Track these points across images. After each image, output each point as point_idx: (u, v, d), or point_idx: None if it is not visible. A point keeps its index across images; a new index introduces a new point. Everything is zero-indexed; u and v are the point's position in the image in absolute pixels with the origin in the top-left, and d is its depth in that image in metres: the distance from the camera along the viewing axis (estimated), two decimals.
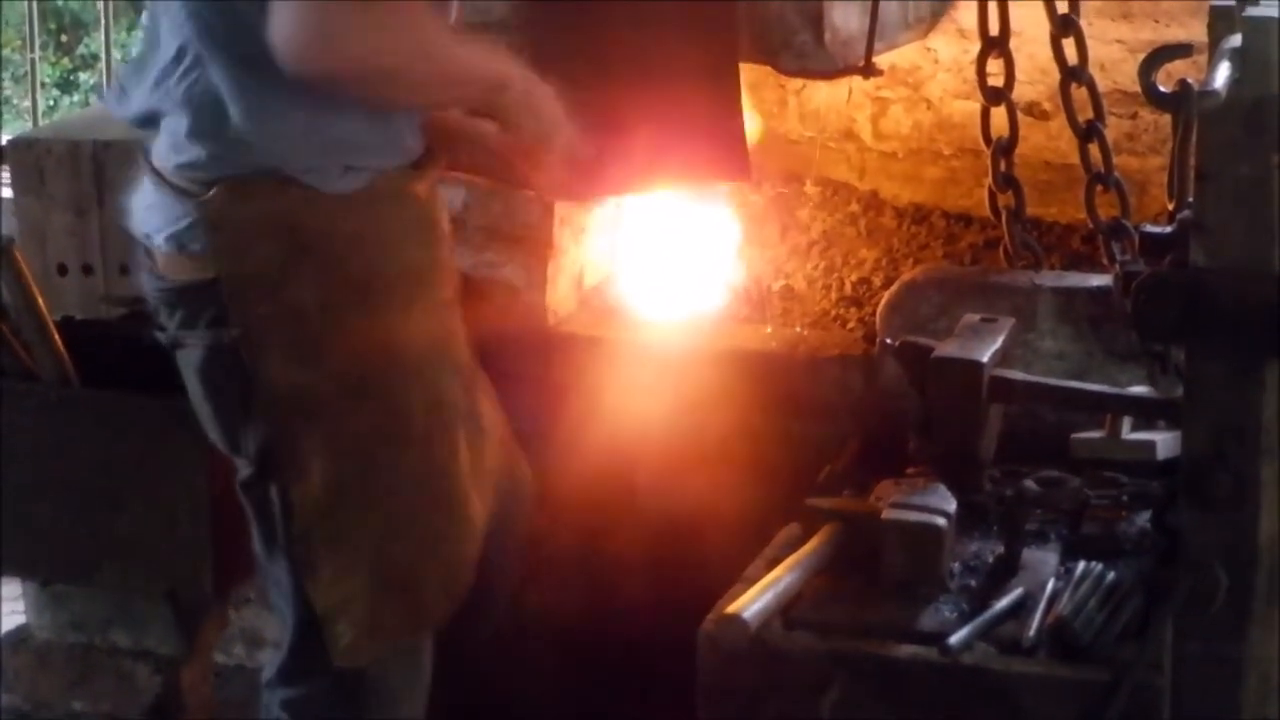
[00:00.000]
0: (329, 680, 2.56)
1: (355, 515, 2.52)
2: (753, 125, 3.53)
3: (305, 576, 2.51)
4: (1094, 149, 3.00)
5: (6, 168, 4.01)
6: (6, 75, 8.67)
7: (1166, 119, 2.35)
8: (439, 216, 2.60)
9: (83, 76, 8.05)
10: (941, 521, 2.45)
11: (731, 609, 2.31)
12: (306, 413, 2.49)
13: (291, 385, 2.49)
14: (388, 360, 2.50)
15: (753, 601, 2.32)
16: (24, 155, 3.81)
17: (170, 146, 2.43)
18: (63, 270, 3.74)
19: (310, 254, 2.45)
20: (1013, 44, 3.07)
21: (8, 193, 4.03)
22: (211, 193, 2.40)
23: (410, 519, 2.53)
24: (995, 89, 3.09)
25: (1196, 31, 2.78)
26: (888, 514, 2.47)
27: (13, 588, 3.75)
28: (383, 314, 2.50)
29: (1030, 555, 2.53)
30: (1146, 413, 2.59)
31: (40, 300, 2.93)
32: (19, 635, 3.59)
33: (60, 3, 8.04)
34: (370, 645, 2.54)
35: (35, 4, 5.87)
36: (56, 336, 2.94)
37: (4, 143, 4.36)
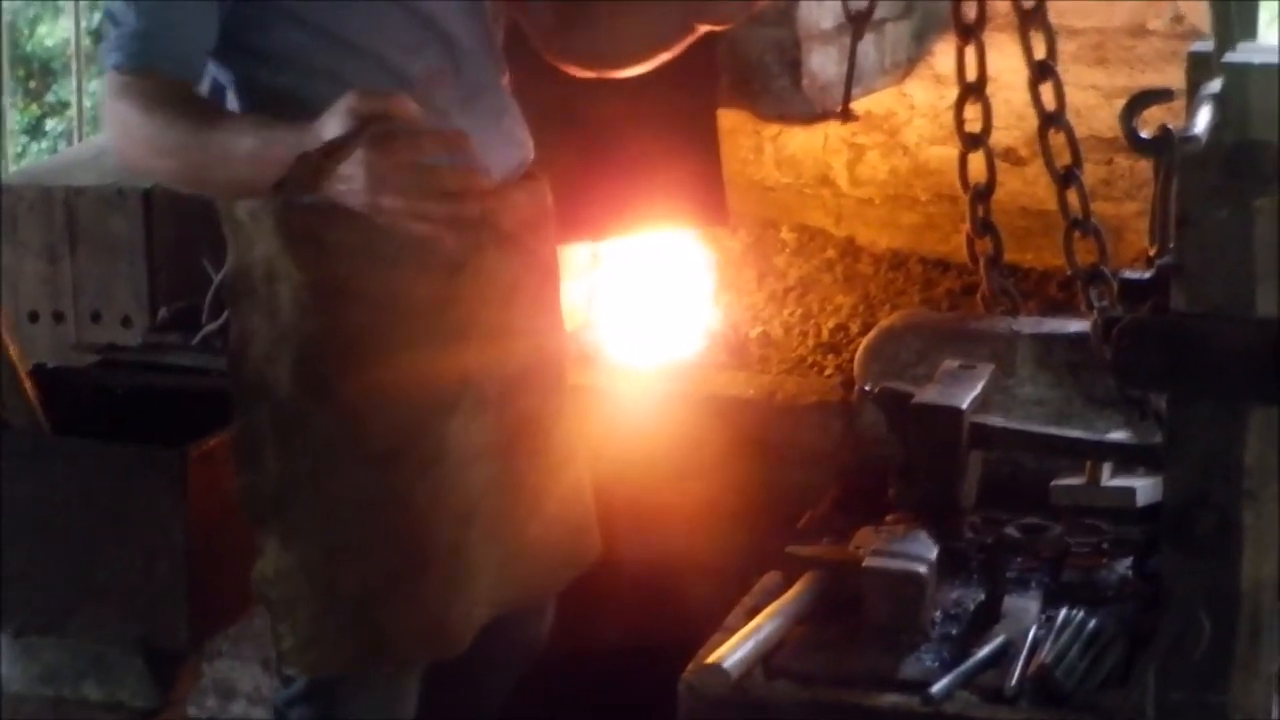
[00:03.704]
0: (302, 689, 2.60)
1: (304, 519, 2.54)
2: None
3: (256, 559, 2.55)
4: (1072, 195, 3.01)
5: None
6: None
7: (1142, 165, 2.38)
8: (454, 247, 2.58)
9: (50, 123, 8.05)
10: (922, 569, 2.46)
11: (712, 658, 2.31)
12: (270, 403, 2.54)
13: (258, 374, 2.54)
14: (354, 372, 2.51)
15: (733, 650, 2.32)
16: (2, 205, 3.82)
17: None
18: (34, 318, 3.74)
19: (291, 254, 2.50)
20: (990, 90, 3.09)
21: None
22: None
23: (362, 544, 2.53)
24: (973, 135, 3.10)
25: (1172, 77, 2.81)
26: (868, 562, 2.47)
27: None
28: (354, 325, 2.52)
29: (1011, 603, 2.53)
30: (1126, 459, 2.61)
31: (11, 348, 2.92)
32: None
33: (28, 49, 8.05)
34: (313, 659, 2.56)
35: (3, 50, 5.87)
36: (28, 384, 2.93)
37: None
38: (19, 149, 6.86)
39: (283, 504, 2.55)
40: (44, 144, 7.56)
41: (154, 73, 2.38)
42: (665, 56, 2.64)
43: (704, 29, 2.57)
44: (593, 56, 2.72)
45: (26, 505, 2.89)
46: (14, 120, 6.20)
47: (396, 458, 2.52)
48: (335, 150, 2.11)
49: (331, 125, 2.13)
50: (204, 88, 2.47)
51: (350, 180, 2.12)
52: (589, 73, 2.74)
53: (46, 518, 2.88)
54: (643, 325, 3.55)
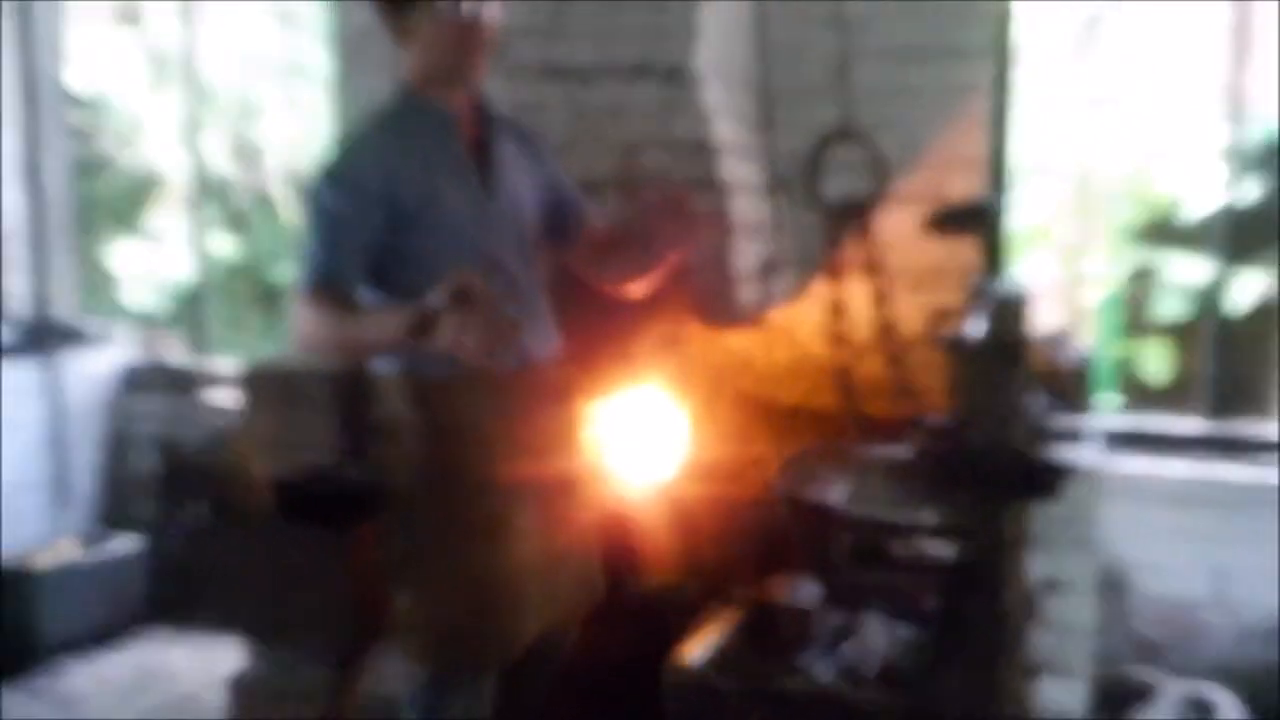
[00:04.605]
0: (425, 682, 2.56)
1: (421, 577, 2.52)
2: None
3: (393, 599, 2.54)
4: (900, 371, 3.02)
5: (236, 386, 4.03)
6: (234, 328, 8.70)
7: (943, 353, 2.39)
8: (515, 403, 2.56)
9: (282, 327, 8.12)
10: (813, 603, 2.44)
11: (686, 658, 2.29)
12: (399, 501, 2.54)
13: (395, 481, 2.54)
14: (453, 483, 2.50)
15: (699, 653, 2.30)
16: (246, 378, 3.83)
17: None
18: (267, 448, 3.73)
19: (415, 411, 2.51)
20: (849, 308, 3.10)
21: (235, 401, 4.04)
22: (376, 376, 2.57)
23: (456, 592, 2.50)
24: (840, 336, 3.11)
25: (959, 299, 2.83)
26: (780, 600, 2.45)
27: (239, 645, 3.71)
28: (453, 454, 2.51)
29: (868, 623, 2.51)
30: (938, 534, 2.59)
31: (254, 467, 2.91)
32: (239, 676, 3.53)
33: (269, 279, 8.11)
34: (428, 665, 2.54)
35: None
36: (262, 489, 2.92)
37: (235, 371, 4.38)
38: (260, 345, 6.86)
39: (408, 567, 2.53)
40: (275, 344, 7.58)
41: (324, 290, 2.39)
42: (656, 278, 2.69)
43: (677, 259, 2.62)
44: (614, 278, 2.78)
45: (262, 564, 2.87)
46: (258, 324, 6.23)
47: (479, 536, 2.51)
48: (436, 314, 2.15)
49: (434, 297, 2.16)
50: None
51: (447, 328, 2.13)
52: (612, 288, 2.78)
53: (273, 572, 2.86)
54: (637, 452, 3.54)
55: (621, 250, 2.77)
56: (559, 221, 2.77)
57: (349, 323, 2.36)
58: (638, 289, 2.78)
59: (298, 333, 2.45)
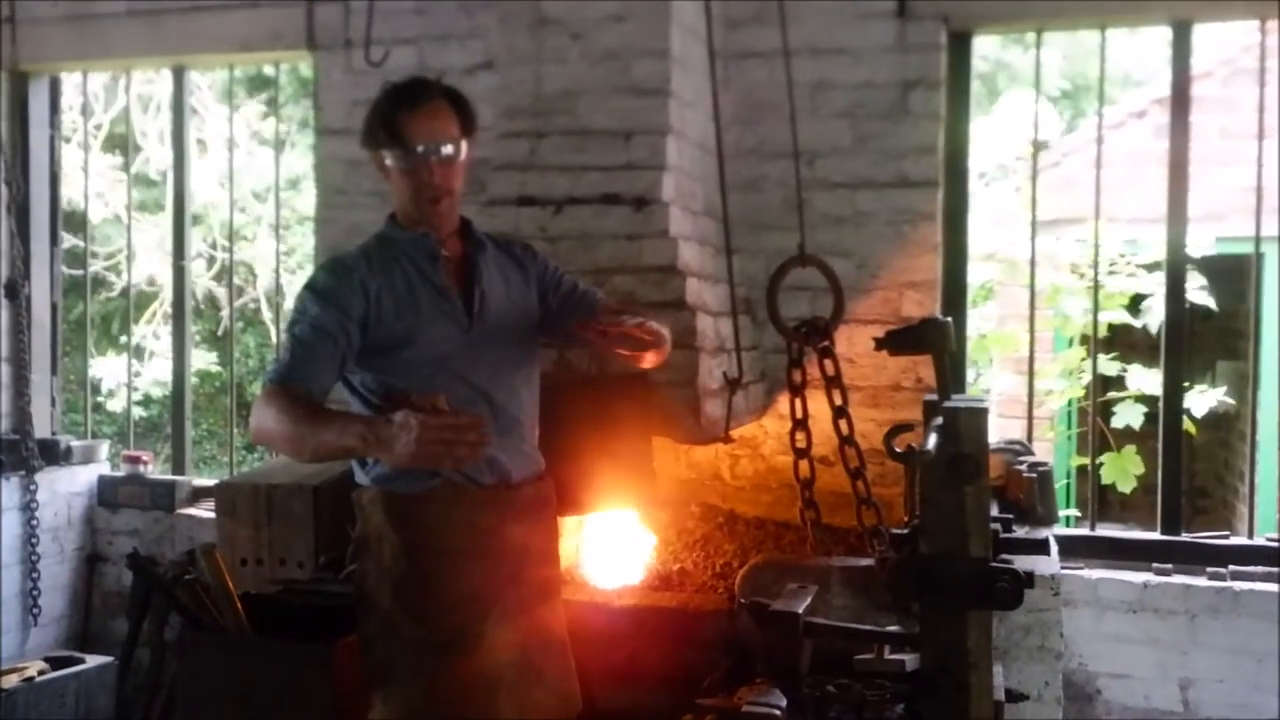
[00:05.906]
0: None
1: (396, 686, 2.48)
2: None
3: (370, 710, 2.50)
4: (860, 484, 3.03)
5: (214, 501, 3.99)
6: (215, 442, 8.64)
7: (899, 466, 2.41)
8: (489, 519, 2.55)
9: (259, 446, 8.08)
10: (778, 712, 2.41)
11: None
12: (376, 613, 2.51)
13: (371, 596, 2.52)
14: (428, 595, 2.48)
15: None
16: (224, 493, 3.82)
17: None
18: (244, 562, 3.69)
19: (391, 526, 2.50)
20: (810, 422, 3.12)
21: (213, 515, 4.00)
22: (356, 490, 2.58)
23: (430, 702, 2.46)
24: (801, 449, 3.12)
25: (915, 415, 2.85)
26: (746, 708, 2.42)
27: None
28: (427, 567, 2.49)
29: None
30: (898, 642, 2.57)
31: (230, 582, 2.88)
32: None
33: (248, 398, 8.08)
34: None
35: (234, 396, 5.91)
36: (239, 604, 2.88)
37: (214, 485, 4.33)
38: (240, 458, 6.81)
39: (384, 676, 2.50)
40: (256, 456, 7.52)
41: (285, 387, 2.38)
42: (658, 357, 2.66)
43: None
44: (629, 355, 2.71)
45: (238, 678, 2.81)
46: (237, 439, 6.19)
47: (453, 648, 2.48)
48: (393, 423, 2.19)
49: (397, 414, 2.19)
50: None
51: (407, 430, 2.15)
52: (630, 363, 2.73)
53: (250, 685, 2.80)
54: (609, 564, 3.52)
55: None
56: (572, 318, 2.77)
57: (303, 420, 2.32)
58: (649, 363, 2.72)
59: (252, 425, 2.41)
